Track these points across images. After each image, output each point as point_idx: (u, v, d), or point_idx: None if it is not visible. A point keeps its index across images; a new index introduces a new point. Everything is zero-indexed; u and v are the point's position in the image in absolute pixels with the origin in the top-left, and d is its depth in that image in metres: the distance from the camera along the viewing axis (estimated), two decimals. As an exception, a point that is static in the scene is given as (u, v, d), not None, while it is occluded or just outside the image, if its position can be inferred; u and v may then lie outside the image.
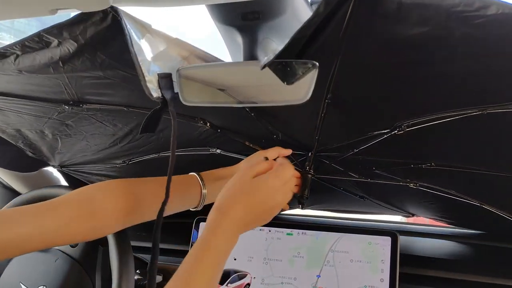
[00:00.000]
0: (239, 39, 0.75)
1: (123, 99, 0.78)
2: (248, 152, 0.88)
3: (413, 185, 0.85)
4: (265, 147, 0.86)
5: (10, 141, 1.00)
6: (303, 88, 0.61)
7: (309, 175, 0.80)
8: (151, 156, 0.97)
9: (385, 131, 0.72)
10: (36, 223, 0.59)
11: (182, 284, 0.53)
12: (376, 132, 0.74)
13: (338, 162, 0.86)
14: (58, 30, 0.60)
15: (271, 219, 0.63)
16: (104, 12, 0.56)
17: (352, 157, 0.81)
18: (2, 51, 0.64)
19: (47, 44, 0.62)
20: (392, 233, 0.88)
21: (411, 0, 0.48)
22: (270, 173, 0.64)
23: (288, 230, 0.94)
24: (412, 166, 0.80)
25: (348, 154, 0.80)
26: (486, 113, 0.61)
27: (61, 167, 1.13)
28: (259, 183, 0.62)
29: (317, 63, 0.60)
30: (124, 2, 0.55)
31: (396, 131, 0.70)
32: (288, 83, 0.61)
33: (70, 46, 0.62)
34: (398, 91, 0.65)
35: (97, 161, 1.06)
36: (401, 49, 0.56)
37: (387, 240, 0.87)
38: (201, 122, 0.83)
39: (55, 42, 0.62)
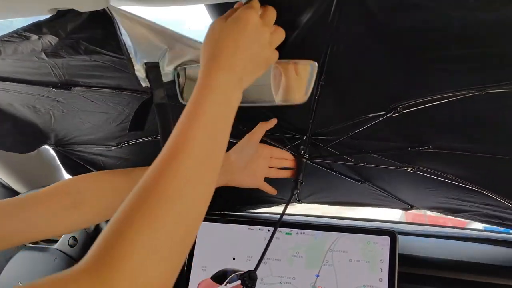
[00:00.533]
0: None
1: (112, 81, 0.77)
2: (242, 136, 0.87)
3: (411, 169, 0.84)
4: None
5: (5, 119, 0.96)
6: (302, 88, 0.61)
7: (304, 159, 0.80)
8: (144, 139, 0.96)
9: (380, 113, 0.71)
10: (22, 216, 0.59)
11: (171, 152, 0.43)
12: (372, 115, 0.73)
13: (334, 145, 0.85)
14: (36, 27, 0.59)
15: (268, 66, 0.55)
16: None
17: (347, 141, 0.81)
18: None
19: (27, 38, 0.62)
20: (391, 232, 0.88)
21: None
22: (249, 11, 0.51)
23: (287, 230, 0.94)
24: (409, 149, 0.79)
25: (344, 137, 0.80)
26: (484, 93, 0.60)
27: (56, 146, 1.10)
28: (237, 20, 0.51)
29: (316, 63, 0.60)
30: (122, 1, 0.55)
31: (391, 114, 0.70)
32: (286, 84, 0.61)
33: (51, 39, 0.62)
34: (393, 72, 0.64)
35: (92, 142, 1.05)
36: (396, 24, 0.54)
37: (386, 240, 0.87)
38: None
39: (35, 37, 0.61)
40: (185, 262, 0.96)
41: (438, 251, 0.98)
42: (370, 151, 0.85)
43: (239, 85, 0.51)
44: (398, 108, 0.69)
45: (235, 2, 0.55)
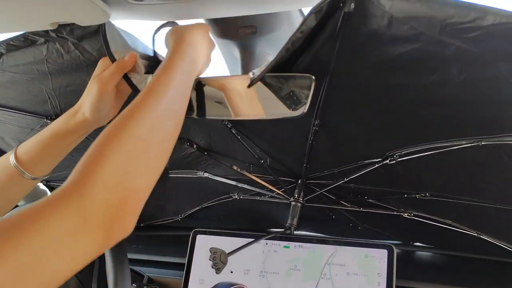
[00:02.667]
0: (236, 52, 0.76)
1: None
2: (235, 176, 0.86)
3: (407, 215, 0.84)
4: (252, 172, 0.85)
5: None
6: (298, 101, 0.62)
7: (299, 204, 0.80)
8: None
9: (377, 160, 0.71)
10: None
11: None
12: (367, 161, 0.73)
13: (329, 190, 0.84)
14: (45, 32, 0.61)
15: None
16: None
17: (343, 186, 0.80)
18: None
19: (33, 42, 0.63)
20: (389, 246, 0.87)
21: (403, 14, 0.46)
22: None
23: (285, 243, 0.94)
24: (405, 196, 0.79)
25: (339, 182, 0.79)
26: (481, 144, 0.60)
27: (46, 182, 1.09)
28: (200, 25, 0.62)
29: (313, 77, 0.60)
30: (122, 16, 0.56)
31: (387, 161, 0.69)
32: (283, 97, 0.62)
33: (57, 47, 0.63)
34: (390, 119, 0.64)
35: None
36: (392, 71, 0.55)
37: (383, 253, 0.87)
38: (188, 143, 0.82)
39: (42, 40, 0.62)
40: (183, 276, 0.96)
41: (435, 264, 0.98)
42: (366, 197, 0.84)
43: (196, 67, 0.60)
44: (395, 156, 0.68)
45: (233, 17, 0.56)
